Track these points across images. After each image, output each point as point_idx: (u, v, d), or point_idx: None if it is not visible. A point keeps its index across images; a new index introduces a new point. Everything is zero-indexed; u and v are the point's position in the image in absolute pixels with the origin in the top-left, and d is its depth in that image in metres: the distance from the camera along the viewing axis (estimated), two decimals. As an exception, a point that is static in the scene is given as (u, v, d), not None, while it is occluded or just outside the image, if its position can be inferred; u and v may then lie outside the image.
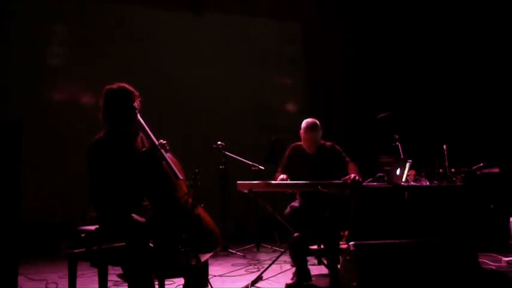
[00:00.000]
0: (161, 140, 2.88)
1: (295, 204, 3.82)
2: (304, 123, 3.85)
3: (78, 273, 2.86)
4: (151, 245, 2.67)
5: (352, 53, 7.00)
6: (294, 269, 3.70)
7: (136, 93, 2.88)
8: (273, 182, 3.67)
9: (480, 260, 3.79)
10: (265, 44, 6.83)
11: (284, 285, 3.64)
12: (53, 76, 5.89)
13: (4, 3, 5.60)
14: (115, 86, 2.86)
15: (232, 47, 6.62)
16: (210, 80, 6.43)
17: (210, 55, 6.49)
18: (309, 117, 3.92)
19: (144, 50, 6.14)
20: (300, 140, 3.93)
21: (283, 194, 4.22)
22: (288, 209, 3.77)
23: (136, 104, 2.85)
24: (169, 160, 2.85)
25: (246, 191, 3.65)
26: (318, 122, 3.85)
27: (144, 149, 2.87)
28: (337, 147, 3.89)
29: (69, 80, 5.94)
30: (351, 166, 3.73)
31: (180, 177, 2.87)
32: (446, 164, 4.70)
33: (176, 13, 6.48)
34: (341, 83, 7.03)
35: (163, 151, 2.83)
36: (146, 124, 2.86)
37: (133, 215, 2.71)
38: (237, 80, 6.57)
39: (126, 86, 2.87)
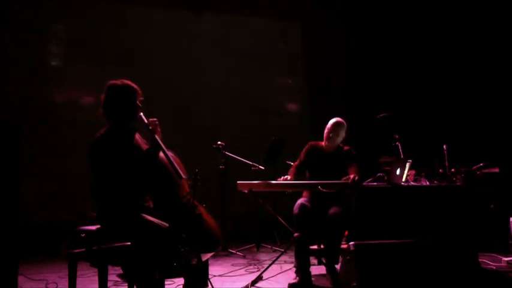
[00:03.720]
0: (151, 118, 2.86)
1: (304, 202, 3.79)
2: (333, 119, 3.97)
3: (78, 273, 2.85)
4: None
5: (352, 53, 7.00)
6: (295, 269, 3.69)
7: (139, 90, 2.88)
8: (273, 182, 3.67)
9: (480, 260, 3.80)
10: (265, 44, 6.83)
11: (283, 285, 3.64)
12: (52, 76, 5.89)
13: (4, 3, 5.60)
14: (119, 82, 2.87)
15: (232, 47, 6.62)
16: (210, 79, 6.42)
17: (210, 55, 6.49)
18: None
19: (144, 50, 6.14)
20: (308, 140, 4.01)
21: (283, 194, 4.23)
22: (298, 209, 3.74)
23: (138, 102, 2.86)
24: (172, 159, 2.86)
25: (246, 191, 3.65)
26: (345, 123, 3.96)
27: (146, 148, 2.88)
28: (354, 152, 3.96)
29: (68, 79, 5.93)
30: (352, 166, 3.77)
31: (183, 176, 2.89)
32: (446, 164, 4.70)
33: (176, 13, 6.48)
34: (341, 83, 7.02)
35: (164, 147, 2.84)
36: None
37: (146, 215, 2.71)
38: (236, 79, 6.57)
39: (130, 82, 2.88)
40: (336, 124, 3.92)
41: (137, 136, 2.97)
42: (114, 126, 2.83)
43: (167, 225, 2.71)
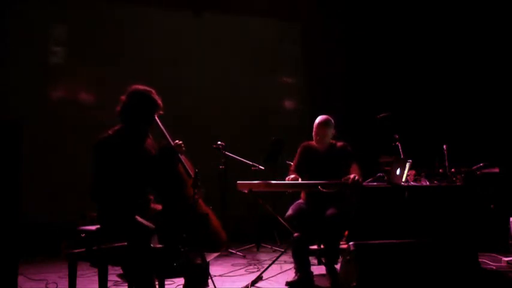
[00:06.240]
0: (177, 141, 2.94)
1: (299, 204, 3.81)
2: (317, 119, 3.92)
3: (78, 273, 2.86)
4: (153, 246, 2.69)
5: (352, 52, 7.00)
6: (294, 269, 3.69)
7: (161, 104, 2.94)
8: (273, 182, 3.67)
9: (480, 260, 3.79)
10: (265, 44, 6.83)
11: (283, 285, 3.64)
12: (53, 76, 5.89)
13: (4, 3, 5.60)
14: (145, 90, 2.92)
15: (232, 47, 6.61)
16: (210, 79, 6.43)
17: (210, 55, 6.49)
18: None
19: (144, 50, 6.14)
20: (307, 140, 3.99)
21: (283, 194, 4.23)
22: (293, 209, 3.74)
23: (156, 115, 2.91)
24: (182, 160, 2.93)
25: (246, 191, 3.65)
26: (331, 119, 3.91)
27: (161, 147, 2.92)
28: (349, 148, 3.93)
29: (68, 79, 5.94)
30: (354, 166, 3.77)
31: (193, 176, 2.93)
32: (446, 164, 4.70)
33: (176, 13, 6.47)
34: (341, 83, 7.02)
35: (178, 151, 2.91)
36: (162, 125, 2.95)
37: (137, 217, 2.72)
38: (236, 79, 6.57)
39: (154, 94, 2.94)
40: (320, 124, 3.87)
41: (149, 140, 2.99)
42: (126, 128, 2.85)
43: (154, 226, 2.73)
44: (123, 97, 2.89)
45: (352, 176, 3.55)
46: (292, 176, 3.74)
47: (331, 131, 3.89)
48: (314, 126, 3.90)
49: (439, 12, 6.67)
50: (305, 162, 3.93)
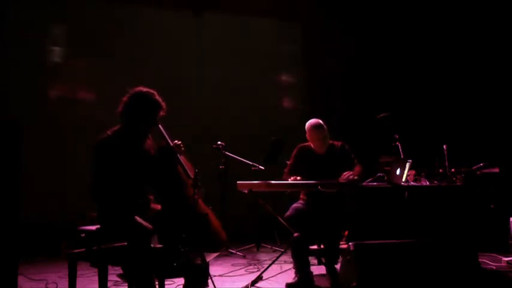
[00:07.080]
0: (176, 141, 2.95)
1: (298, 205, 3.81)
2: (308, 125, 3.89)
3: (78, 273, 2.86)
4: (154, 246, 2.70)
5: (352, 52, 6.99)
6: (294, 269, 3.69)
7: (164, 106, 2.95)
8: (273, 182, 3.67)
9: (480, 260, 3.79)
10: (265, 44, 6.83)
11: (283, 285, 3.64)
12: (52, 76, 5.89)
13: (4, 3, 5.60)
14: (149, 92, 2.93)
15: (232, 47, 6.62)
16: (210, 80, 6.43)
17: (210, 55, 6.49)
18: (310, 118, 3.96)
19: (144, 50, 6.14)
20: (305, 141, 3.97)
21: (283, 194, 4.22)
22: (290, 211, 3.76)
23: (158, 117, 2.93)
24: (181, 160, 2.93)
25: (246, 191, 3.64)
26: (321, 121, 3.89)
27: (160, 147, 2.93)
28: (347, 147, 3.92)
29: (68, 80, 5.94)
30: (356, 167, 3.77)
31: (192, 176, 2.94)
32: (446, 164, 4.69)
33: (176, 13, 6.47)
34: (341, 83, 7.02)
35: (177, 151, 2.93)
36: (162, 125, 2.96)
37: (136, 217, 2.72)
38: (236, 80, 6.57)
39: (157, 96, 2.96)
40: (317, 128, 3.84)
41: (149, 141, 3.00)
42: (126, 128, 2.85)
43: (151, 227, 2.73)
44: (125, 98, 2.89)
45: (346, 174, 3.56)
46: (295, 176, 3.72)
47: (325, 132, 3.87)
48: (309, 131, 3.87)
49: (439, 12, 6.67)
50: (303, 164, 3.89)
